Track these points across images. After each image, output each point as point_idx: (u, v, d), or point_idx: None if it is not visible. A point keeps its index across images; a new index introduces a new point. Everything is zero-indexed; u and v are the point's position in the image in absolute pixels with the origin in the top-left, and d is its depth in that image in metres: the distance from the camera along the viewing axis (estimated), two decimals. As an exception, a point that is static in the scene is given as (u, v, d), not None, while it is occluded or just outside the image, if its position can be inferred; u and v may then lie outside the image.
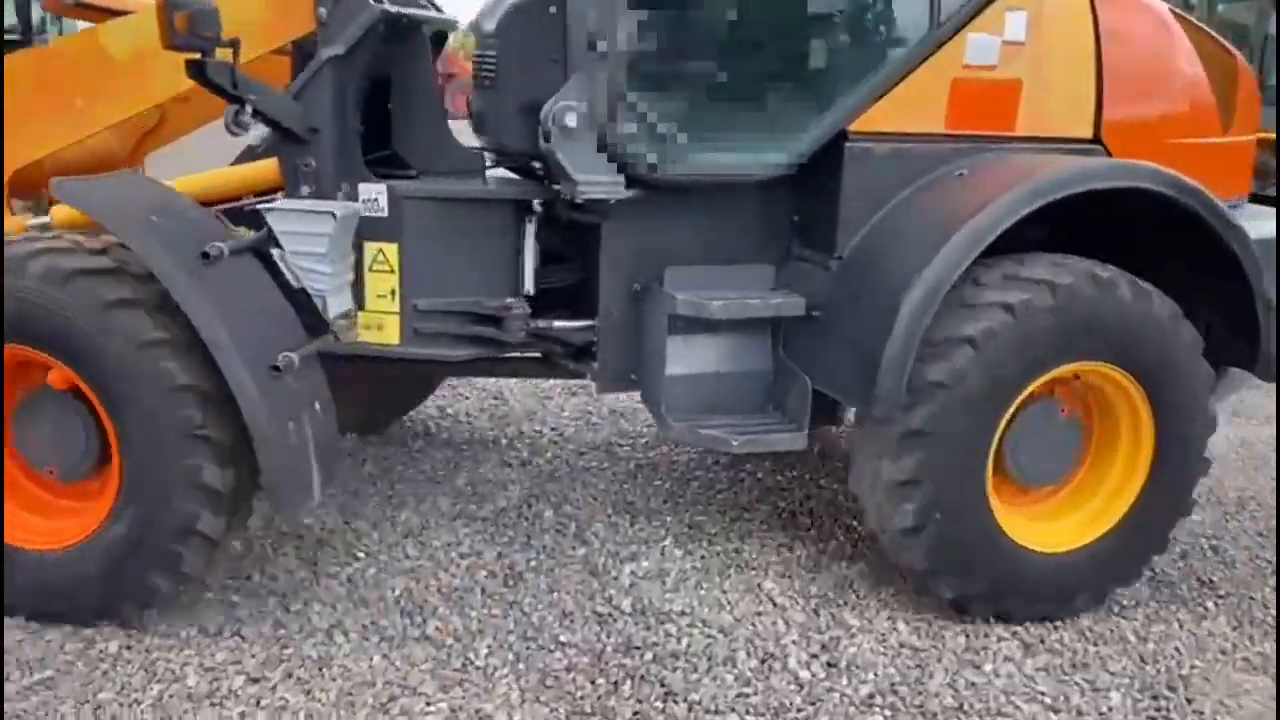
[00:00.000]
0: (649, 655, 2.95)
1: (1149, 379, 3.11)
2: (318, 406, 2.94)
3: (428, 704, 2.69)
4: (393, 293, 3.25)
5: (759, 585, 3.36)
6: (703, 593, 3.30)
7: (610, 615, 3.16)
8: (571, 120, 2.98)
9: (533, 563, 3.48)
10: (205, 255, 2.73)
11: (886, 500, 3.04)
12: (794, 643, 3.03)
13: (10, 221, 3.33)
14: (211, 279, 2.73)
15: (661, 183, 3.14)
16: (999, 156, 3.18)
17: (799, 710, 2.73)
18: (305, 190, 3.12)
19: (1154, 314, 3.04)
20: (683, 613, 3.18)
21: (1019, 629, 3.14)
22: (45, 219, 3.35)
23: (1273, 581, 3.55)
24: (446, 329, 3.31)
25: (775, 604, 3.25)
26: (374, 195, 3.18)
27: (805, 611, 3.21)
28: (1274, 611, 3.36)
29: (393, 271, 3.24)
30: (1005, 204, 2.88)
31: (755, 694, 2.78)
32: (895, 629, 3.13)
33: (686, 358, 3.27)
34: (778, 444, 3.25)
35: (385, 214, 3.18)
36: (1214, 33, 3.62)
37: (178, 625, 2.97)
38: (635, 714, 2.69)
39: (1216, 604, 3.39)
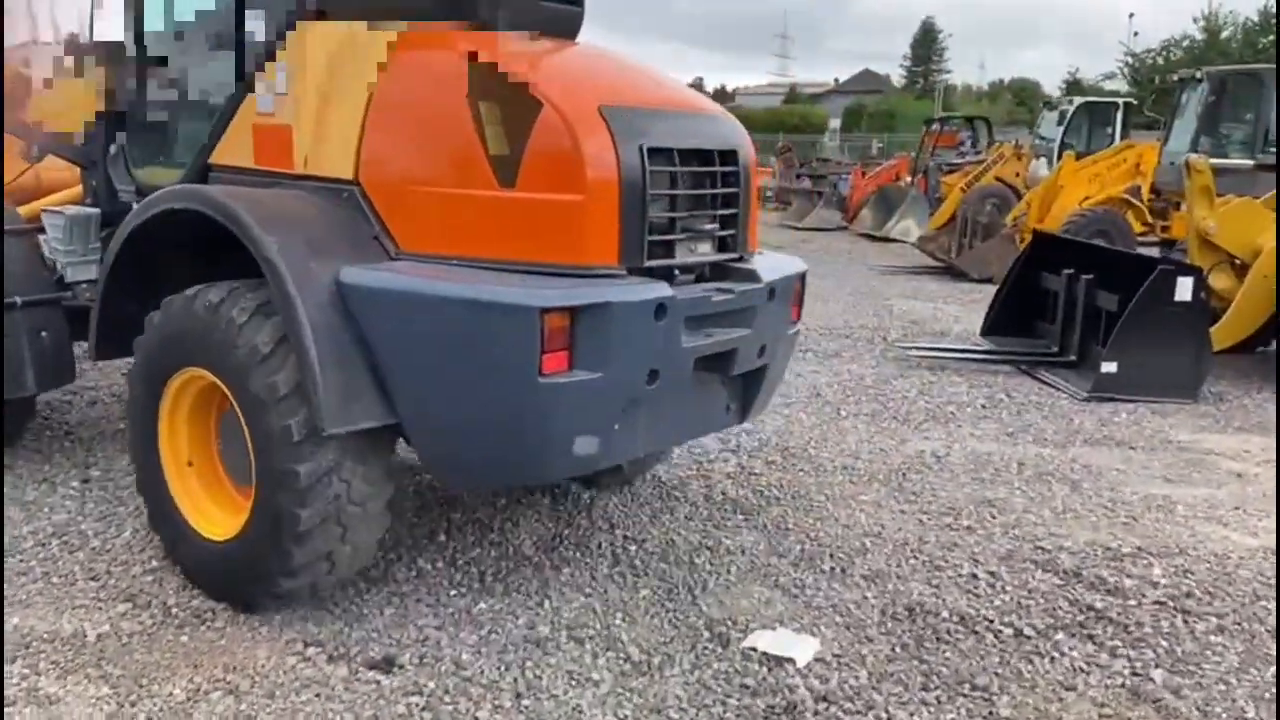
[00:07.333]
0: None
1: (233, 387, 3.32)
2: (44, 335, 4.63)
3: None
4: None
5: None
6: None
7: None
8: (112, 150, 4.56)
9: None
10: (-14, 238, 4.54)
11: None
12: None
13: None
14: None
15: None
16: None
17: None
18: (89, 200, 4.87)
19: (231, 329, 3.25)
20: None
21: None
22: None
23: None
24: None
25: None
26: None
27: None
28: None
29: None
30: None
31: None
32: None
33: None
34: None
35: None
36: (535, 85, 3.19)
37: None
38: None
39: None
